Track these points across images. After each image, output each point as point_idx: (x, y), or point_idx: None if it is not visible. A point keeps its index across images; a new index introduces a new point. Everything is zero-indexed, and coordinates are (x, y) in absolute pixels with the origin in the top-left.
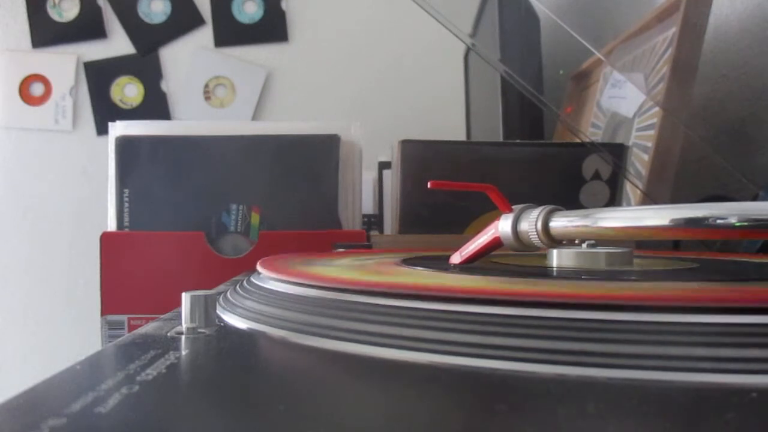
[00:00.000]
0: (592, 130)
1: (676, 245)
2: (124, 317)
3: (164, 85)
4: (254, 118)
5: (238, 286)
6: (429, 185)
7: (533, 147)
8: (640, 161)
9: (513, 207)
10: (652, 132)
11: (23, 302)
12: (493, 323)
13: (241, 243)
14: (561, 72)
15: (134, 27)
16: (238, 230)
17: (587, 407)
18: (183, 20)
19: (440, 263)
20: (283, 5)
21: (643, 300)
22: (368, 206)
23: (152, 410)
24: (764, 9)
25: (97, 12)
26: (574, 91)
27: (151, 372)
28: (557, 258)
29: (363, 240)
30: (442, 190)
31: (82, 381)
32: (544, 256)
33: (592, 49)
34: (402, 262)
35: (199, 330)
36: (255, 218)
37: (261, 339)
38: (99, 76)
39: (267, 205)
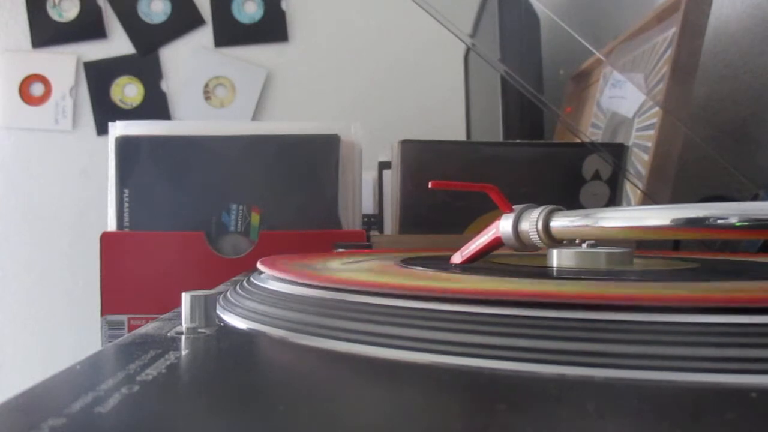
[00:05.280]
0: (592, 130)
1: (676, 245)
2: (124, 317)
3: (164, 85)
4: (254, 118)
5: (238, 286)
6: (429, 185)
7: (533, 147)
8: (640, 161)
9: (513, 207)
10: (652, 132)
11: (23, 302)
12: (493, 323)
13: (241, 243)
14: (561, 72)
15: (134, 27)
16: (238, 230)
17: (587, 407)
18: (183, 20)
19: (440, 263)
20: (283, 5)
21: (643, 300)
22: (368, 206)
23: (152, 410)
24: (764, 9)
25: (97, 12)
26: (574, 91)
27: (151, 372)
28: (557, 258)
29: (363, 240)
30: (442, 190)
31: (82, 381)
32: (544, 256)
33: (592, 49)
34: (402, 263)
35: (199, 330)
36: (255, 218)
37: (261, 339)
38: (99, 76)
39: (267, 205)
